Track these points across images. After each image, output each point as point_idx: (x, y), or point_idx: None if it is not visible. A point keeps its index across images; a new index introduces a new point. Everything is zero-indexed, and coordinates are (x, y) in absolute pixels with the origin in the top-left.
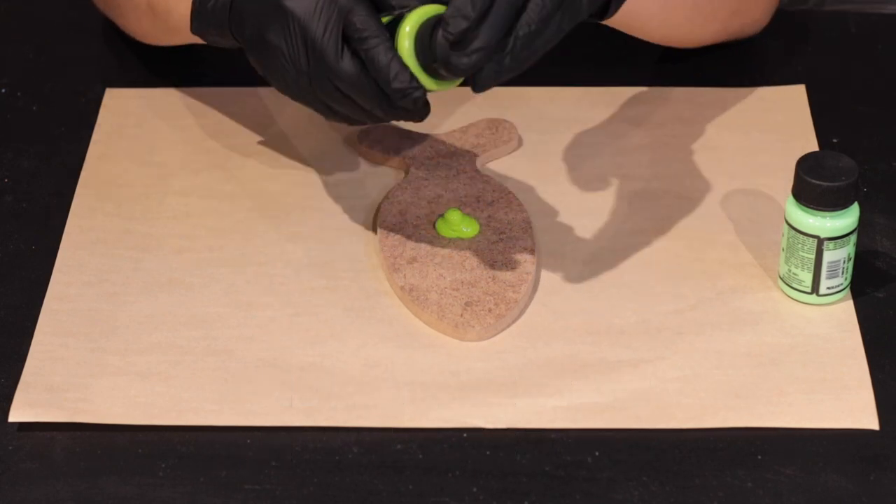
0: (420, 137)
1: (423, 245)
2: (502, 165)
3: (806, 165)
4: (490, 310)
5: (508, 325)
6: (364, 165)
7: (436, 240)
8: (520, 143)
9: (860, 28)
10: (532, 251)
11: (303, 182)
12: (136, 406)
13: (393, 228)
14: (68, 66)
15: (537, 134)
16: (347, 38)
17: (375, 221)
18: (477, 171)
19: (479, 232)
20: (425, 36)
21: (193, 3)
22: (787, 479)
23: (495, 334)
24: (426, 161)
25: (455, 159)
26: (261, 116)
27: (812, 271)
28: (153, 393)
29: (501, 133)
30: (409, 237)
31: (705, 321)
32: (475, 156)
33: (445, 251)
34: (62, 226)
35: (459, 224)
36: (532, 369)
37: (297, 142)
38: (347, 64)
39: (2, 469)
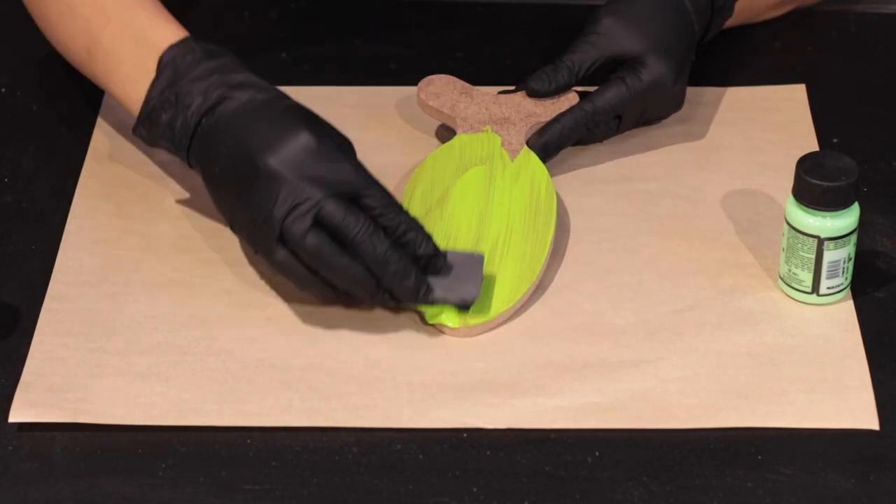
0: (479, 97)
1: (441, 222)
2: None
3: (806, 165)
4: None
5: (498, 326)
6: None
7: (455, 216)
8: None
9: (860, 28)
10: (544, 247)
11: None
12: (136, 406)
13: (420, 194)
14: (68, 66)
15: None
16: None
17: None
18: (522, 144)
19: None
20: None
21: (142, 109)
22: (787, 480)
23: (480, 334)
24: (476, 125)
25: (506, 129)
26: None
27: (812, 271)
28: (153, 393)
29: (562, 103)
30: (428, 211)
31: (705, 321)
32: (527, 125)
33: (461, 232)
34: (62, 226)
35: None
36: (532, 369)
37: None
38: (313, 238)
39: (2, 469)
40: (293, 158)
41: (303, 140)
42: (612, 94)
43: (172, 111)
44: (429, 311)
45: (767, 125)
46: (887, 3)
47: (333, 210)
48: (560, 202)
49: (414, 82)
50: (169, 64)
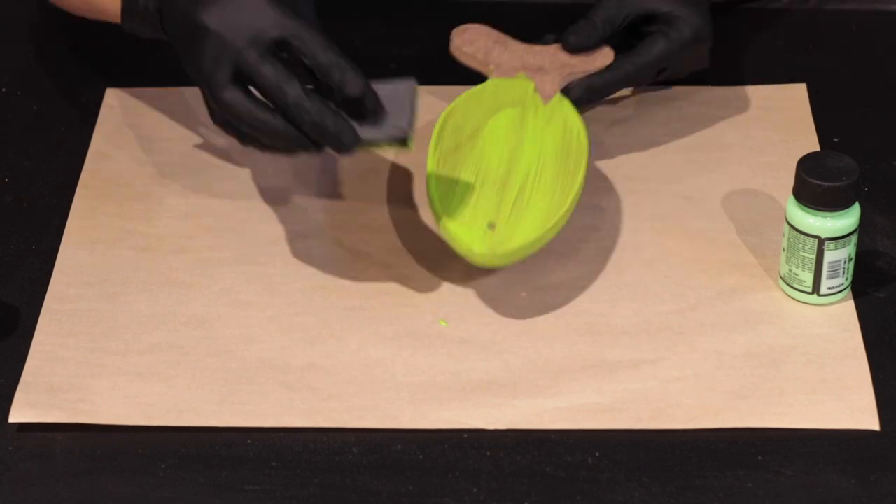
0: (513, 46)
1: (472, 157)
2: None
3: (807, 165)
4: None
5: (525, 257)
6: (365, 165)
7: (486, 152)
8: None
9: (861, 27)
10: (574, 184)
11: (303, 181)
12: (136, 406)
13: (451, 130)
14: (68, 66)
15: None
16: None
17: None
18: (556, 92)
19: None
20: None
21: (122, 4)
22: (787, 480)
23: (509, 263)
24: (510, 72)
25: (539, 77)
26: None
27: (813, 271)
28: (153, 393)
29: (596, 58)
30: (458, 146)
31: (706, 321)
32: (562, 75)
33: (491, 166)
34: (62, 226)
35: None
36: (532, 369)
37: None
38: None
39: (2, 469)
40: (217, 12)
41: None
42: (660, 48)
43: None
44: (453, 235)
45: (768, 125)
46: (888, 2)
47: (248, 60)
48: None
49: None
50: None
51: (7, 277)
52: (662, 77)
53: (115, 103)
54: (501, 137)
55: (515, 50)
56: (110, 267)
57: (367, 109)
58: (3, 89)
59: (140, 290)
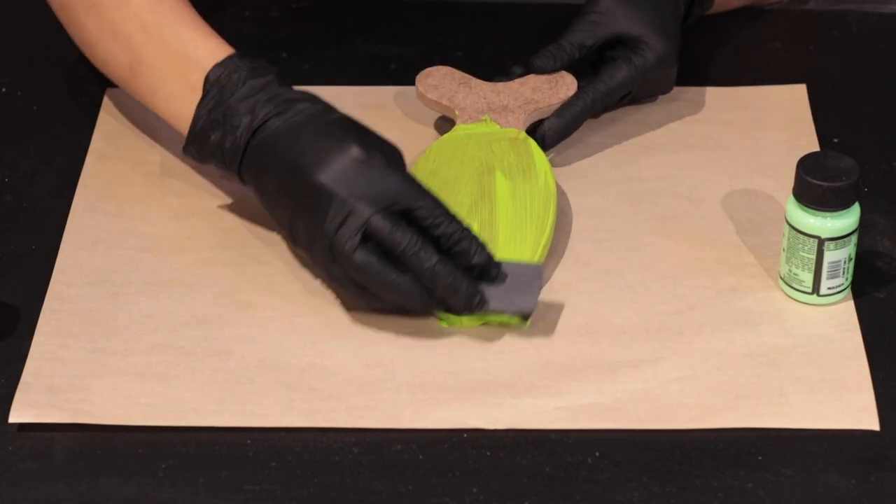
0: (477, 87)
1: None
2: None
3: (807, 165)
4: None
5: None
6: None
7: (455, 207)
8: None
9: (861, 27)
10: (543, 231)
11: None
12: (137, 407)
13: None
14: (68, 66)
15: None
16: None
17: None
18: (521, 131)
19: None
20: None
21: (191, 129)
22: (787, 480)
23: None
24: (475, 115)
25: (504, 116)
26: None
27: (813, 271)
28: (153, 393)
29: (559, 89)
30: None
31: (706, 321)
32: (526, 112)
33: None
34: (62, 226)
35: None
36: (532, 369)
37: None
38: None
39: (2, 469)
40: (342, 174)
41: (352, 154)
42: (623, 74)
43: (221, 131)
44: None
45: (768, 125)
46: (887, 2)
47: (381, 226)
48: (561, 202)
49: (414, 82)
50: (215, 84)
51: (7, 277)
52: (626, 101)
53: (115, 103)
54: (472, 189)
55: (479, 90)
56: (110, 267)
57: (492, 276)
58: (3, 89)
59: (140, 290)
